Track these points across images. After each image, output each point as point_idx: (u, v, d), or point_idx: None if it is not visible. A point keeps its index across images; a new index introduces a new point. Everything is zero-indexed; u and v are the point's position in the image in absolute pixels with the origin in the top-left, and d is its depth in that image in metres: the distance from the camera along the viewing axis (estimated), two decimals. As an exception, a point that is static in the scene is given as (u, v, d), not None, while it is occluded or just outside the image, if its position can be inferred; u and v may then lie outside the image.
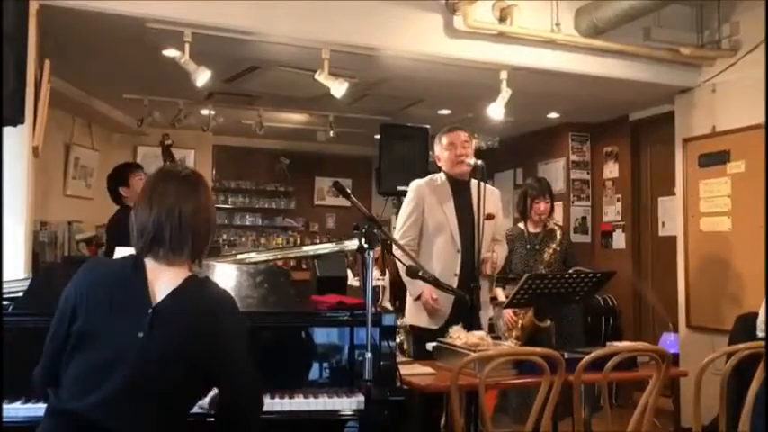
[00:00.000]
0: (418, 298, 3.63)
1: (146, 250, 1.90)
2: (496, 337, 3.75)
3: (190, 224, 1.90)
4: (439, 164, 3.82)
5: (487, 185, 3.95)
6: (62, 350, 1.84)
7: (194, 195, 1.93)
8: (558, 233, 4.42)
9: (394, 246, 3.31)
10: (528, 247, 4.48)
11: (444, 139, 3.77)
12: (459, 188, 3.72)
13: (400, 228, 3.77)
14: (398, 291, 5.22)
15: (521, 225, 4.63)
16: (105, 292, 1.86)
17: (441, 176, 3.80)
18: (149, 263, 1.90)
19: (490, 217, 3.69)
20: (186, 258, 1.92)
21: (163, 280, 1.88)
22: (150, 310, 1.82)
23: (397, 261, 3.19)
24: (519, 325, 4.05)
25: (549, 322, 3.75)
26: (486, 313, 3.77)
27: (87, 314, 1.82)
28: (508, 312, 4.05)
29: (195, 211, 1.91)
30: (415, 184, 3.82)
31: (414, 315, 3.74)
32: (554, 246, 4.36)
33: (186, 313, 1.86)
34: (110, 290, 1.86)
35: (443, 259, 3.66)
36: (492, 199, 3.78)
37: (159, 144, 5.55)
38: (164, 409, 1.83)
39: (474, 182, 3.63)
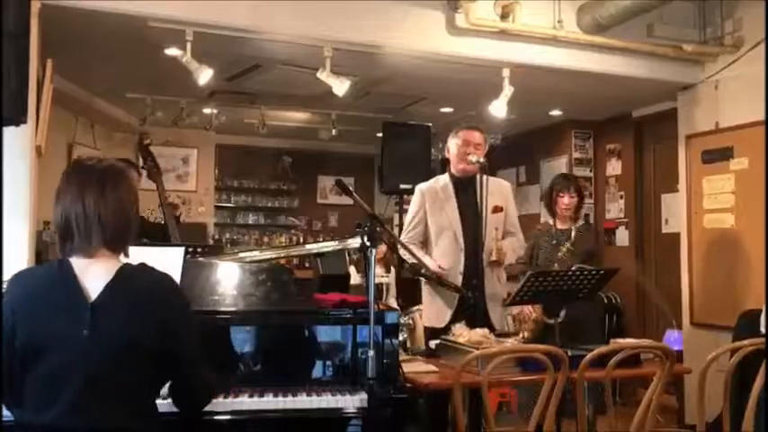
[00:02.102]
0: (431, 279, 3.63)
1: (62, 247, 1.87)
2: (506, 335, 3.75)
3: (94, 213, 1.85)
4: (447, 155, 3.80)
5: (496, 178, 3.95)
6: (14, 370, 1.79)
7: (99, 185, 1.89)
8: (574, 233, 4.39)
9: (398, 244, 3.32)
10: (554, 242, 4.43)
11: (460, 135, 3.73)
12: (463, 186, 3.71)
13: (405, 230, 3.82)
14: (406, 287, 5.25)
15: (549, 221, 4.62)
16: (38, 302, 1.82)
17: (444, 177, 3.79)
18: (74, 261, 1.86)
19: (497, 209, 3.68)
20: (99, 247, 1.86)
21: (93, 275, 1.84)
22: (88, 307, 1.79)
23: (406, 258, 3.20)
24: (533, 317, 4.09)
25: (558, 319, 3.71)
26: (498, 311, 3.74)
27: (26, 328, 1.79)
28: (527, 307, 4.10)
29: (99, 199, 1.87)
30: (418, 188, 3.82)
31: (426, 315, 3.79)
32: (568, 245, 4.34)
33: (126, 302, 1.84)
34: (42, 298, 1.83)
35: (448, 260, 3.65)
36: (500, 191, 3.77)
37: (138, 143, 5.48)
38: (129, 403, 1.82)
39: (482, 176, 3.60)
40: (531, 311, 4.20)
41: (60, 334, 1.78)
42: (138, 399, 1.85)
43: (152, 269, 1.96)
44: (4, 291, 1.87)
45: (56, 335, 1.78)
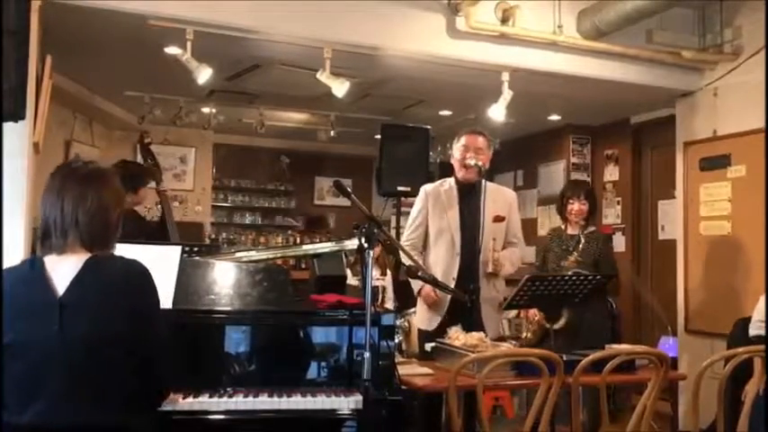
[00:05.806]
0: (419, 293, 3.65)
1: (42, 246, 1.90)
2: (502, 339, 3.76)
3: (71, 216, 1.88)
4: (452, 161, 3.80)
5: (501, 187, 3.95)
6: None
7: (79, 188, 1.92)
8: (583, 239, 4.36)
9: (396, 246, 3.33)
10: (563, 247, 4.43)
11: (462, 140, 3.72)
12: (467, 191, 3.70)
13: (406, 230, 3.83)
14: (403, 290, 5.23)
15: (562, 226, 4.62)
16: (11, 302, 1.84)
17: (450, 181, 3.79)
18: (46, 258, 1.89)
19: (499, 219, 3.68)
20: (74, 244, 1.89)
21: (61, 270, 1.86)
22: (57, 304, 1.81)
23: (403, 260, 3.21)
24: (536, 319, 4.13)
25: (560, 324, 3.69)
26: (494, 316, 3.73)
27: (3, 329, 1.80)
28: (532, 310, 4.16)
29: (79, 203, 1.90)
30: (422, 189, 3.82)
31: (418, 317, 3.80)
32: (576, 255, 4.31)
33: (95, 293, 1.85)
34: (14, 298, 1.84)
35: (443, 263, 3.66)
36: (504, 201, 3.77)
37: (138, 141, 5.45)
38: (108, 397, 1.82)
39: (486, 184, 3.58)
40: (535, 313, 4.20)
41: (34, 332, 1.79)
42: (117, 392, 1.84)
43: (120, 257, 1.96)
44: None
45: (30, 333, 1.79)
